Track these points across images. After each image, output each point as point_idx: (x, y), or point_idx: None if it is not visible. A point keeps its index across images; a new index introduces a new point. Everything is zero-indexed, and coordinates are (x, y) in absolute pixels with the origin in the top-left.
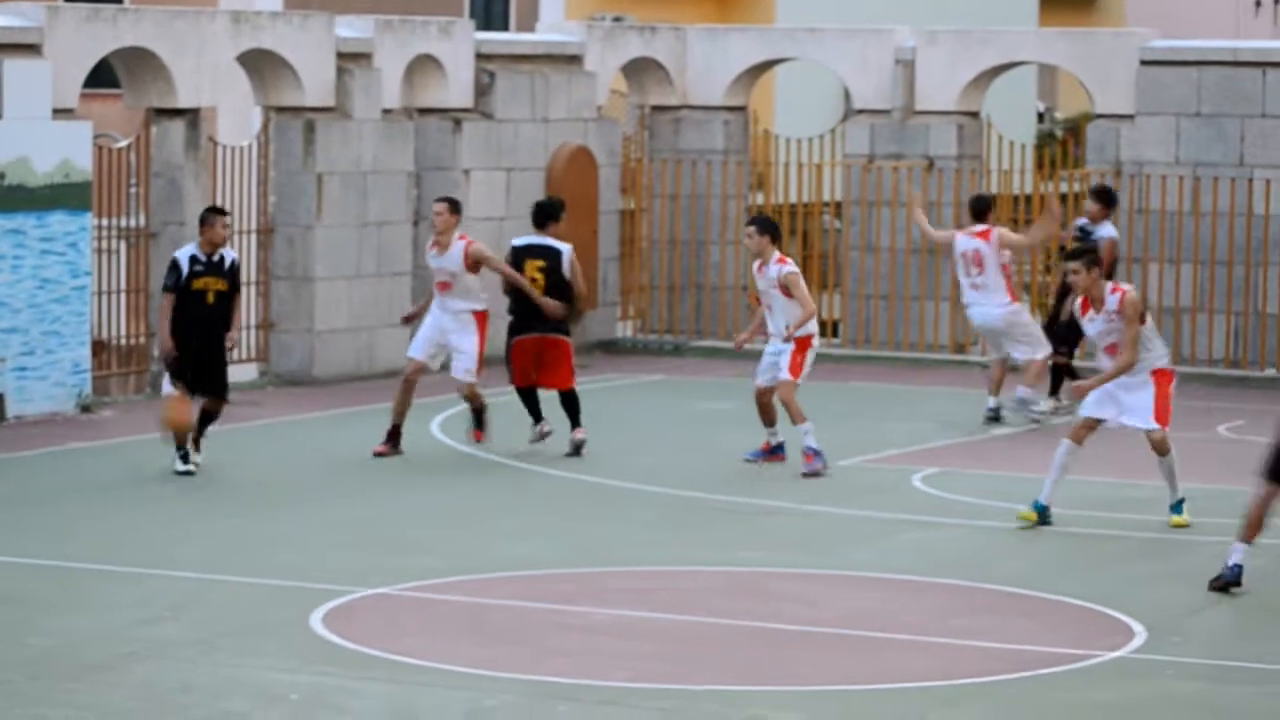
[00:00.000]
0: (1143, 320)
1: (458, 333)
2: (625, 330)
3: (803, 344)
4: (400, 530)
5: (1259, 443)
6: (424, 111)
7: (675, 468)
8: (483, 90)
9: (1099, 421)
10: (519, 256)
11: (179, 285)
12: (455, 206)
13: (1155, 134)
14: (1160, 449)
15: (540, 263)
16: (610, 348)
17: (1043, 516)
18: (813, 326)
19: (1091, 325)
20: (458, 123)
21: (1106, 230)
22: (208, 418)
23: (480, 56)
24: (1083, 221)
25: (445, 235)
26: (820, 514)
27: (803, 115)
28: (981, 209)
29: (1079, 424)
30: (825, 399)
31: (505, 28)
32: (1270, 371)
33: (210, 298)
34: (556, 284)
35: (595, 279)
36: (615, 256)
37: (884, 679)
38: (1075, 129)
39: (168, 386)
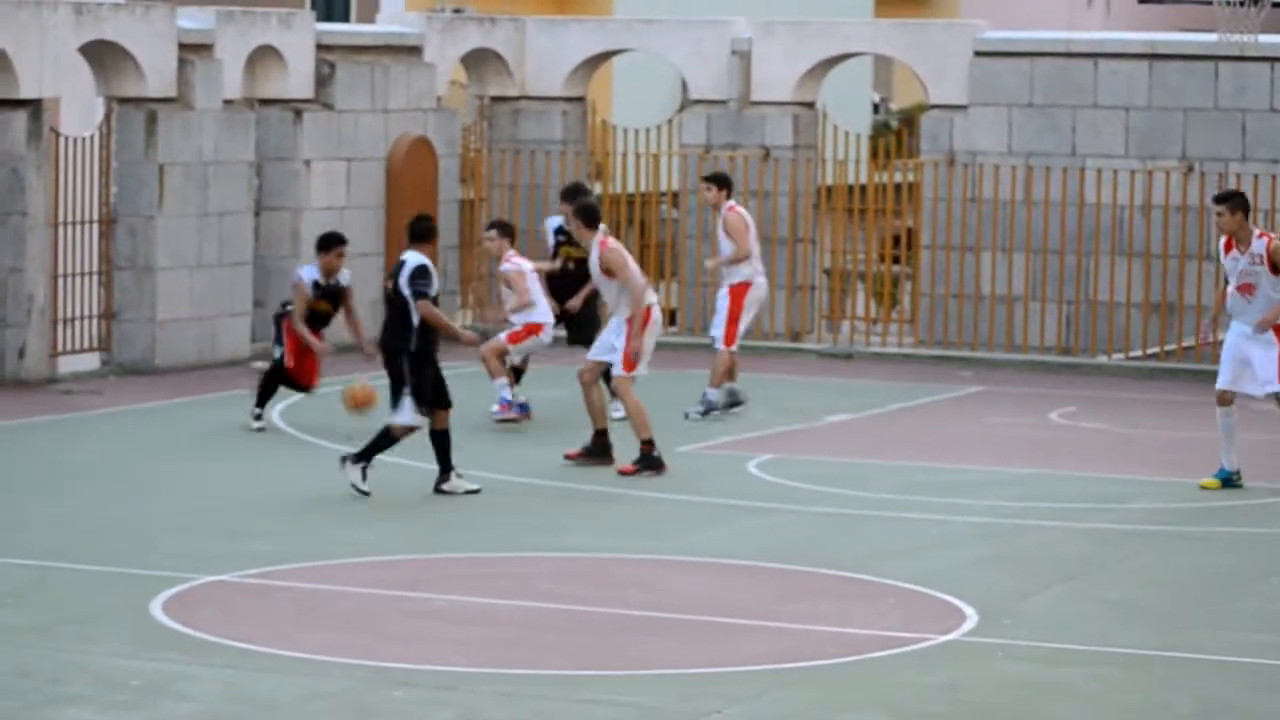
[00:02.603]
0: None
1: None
2: (464, 319)
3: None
4: (240, 517)
5: (1090, 429)
6: (265, 102)
7: (514, 455)
8: (323, 81)
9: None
10: None
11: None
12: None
13: (988, 124)
14: None
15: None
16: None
17: (1228, 483)
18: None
19: (1234, 263)
20: (298, 113)
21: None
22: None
23: (321, 47)
24: (559, 222)
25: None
26: (658, 500)
27: (640, 106)
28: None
29: (1223, 392)
30: (663, 387)
31: (346, 19)
32: (1101, 358)
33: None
34: None
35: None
36: (454, 246)
37: (720, 663)
38: (910, 119)
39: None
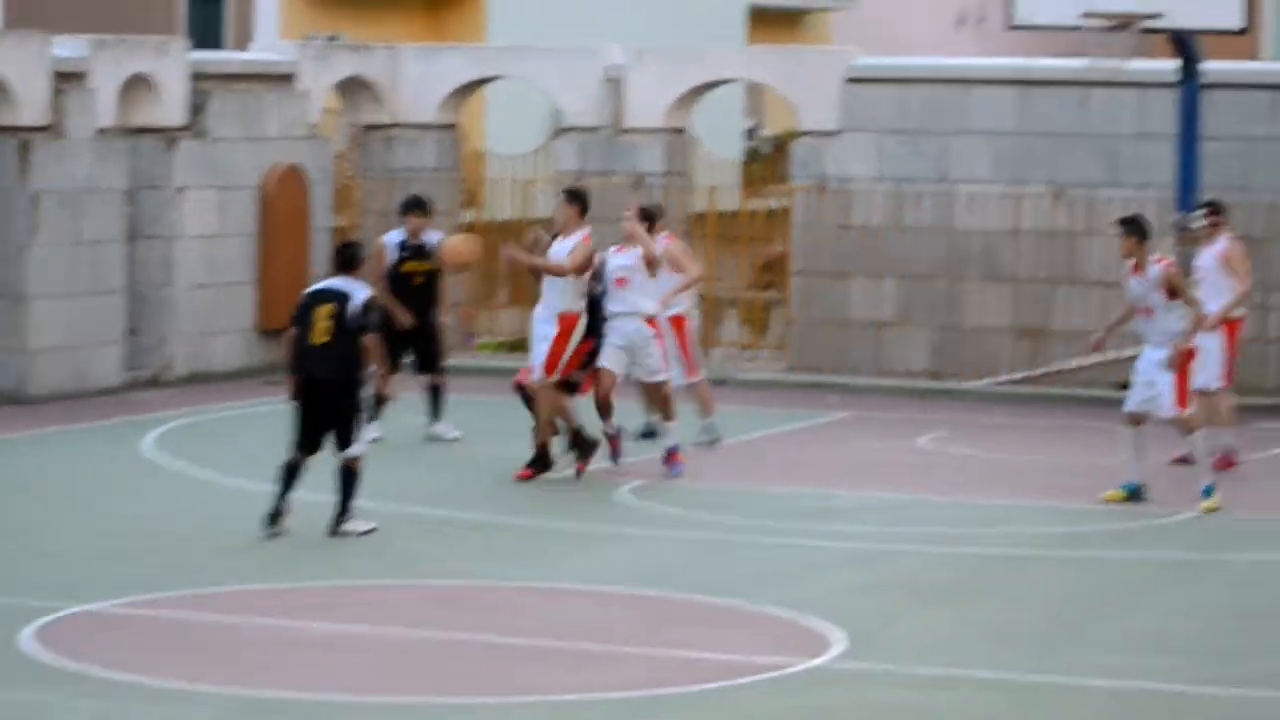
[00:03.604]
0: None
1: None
2: None
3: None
4: (112, 546)
5: (960, 454)
6: (139, 130)
7: (388, 483)
8: (197, 109)
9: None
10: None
11: None
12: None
13: (859, 150)
14: (1187, 426)
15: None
16: None
17: (1133, 494)
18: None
19: (1136, 286)
20: (172, 141)
21: (433, 236)
22: None
23: (195, 76)
24: (401, 236)
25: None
26: (530, 526)
27: (514, 133)
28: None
29: (1129, 414)
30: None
31: (220, 47)
32: (970, 383)
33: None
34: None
35: None
36: (328, 274)
37: (592, 689)
38: (782, 146)
39: None
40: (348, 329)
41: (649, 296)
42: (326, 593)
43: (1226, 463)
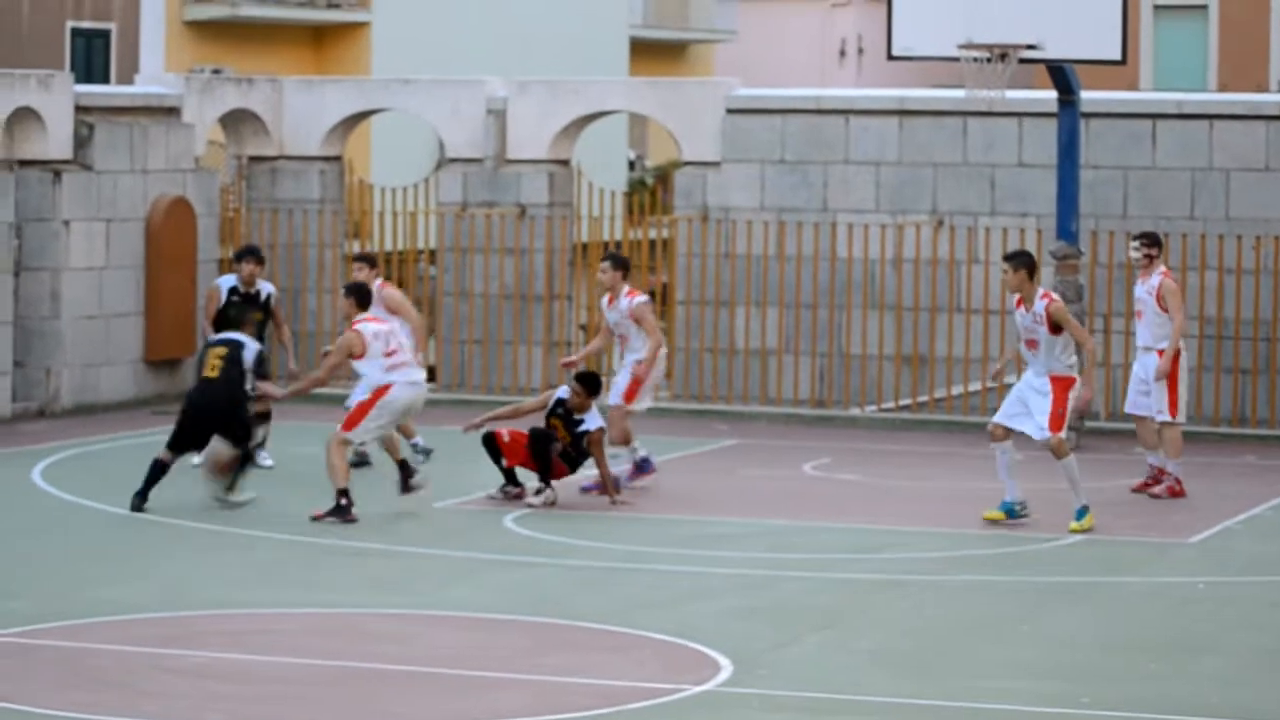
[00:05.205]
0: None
1: None
2: None
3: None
4: None
5: (844, 480)
6: (24, 163)
7: (272, 512)
8: (82, 142)
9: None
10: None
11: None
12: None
13: (741, 180)
14: (1056, 453)
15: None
16: None
17: (1011, 514)
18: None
19: (1021, 319)
20: (58, 174)
21: (266, 285)
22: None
23: (80, 109)
24: (234, 282)
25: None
26: (415, 554)
27: (398, 164)
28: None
29: (995, 426)
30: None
31: (105, 80)
32: (854, 411)
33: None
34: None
35: (193, 327)
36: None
37: (477, 716)
38: (664, 176)
39: None
40: (239, 370)
41: None
42: (209, 620)
43: (1175, 491)
